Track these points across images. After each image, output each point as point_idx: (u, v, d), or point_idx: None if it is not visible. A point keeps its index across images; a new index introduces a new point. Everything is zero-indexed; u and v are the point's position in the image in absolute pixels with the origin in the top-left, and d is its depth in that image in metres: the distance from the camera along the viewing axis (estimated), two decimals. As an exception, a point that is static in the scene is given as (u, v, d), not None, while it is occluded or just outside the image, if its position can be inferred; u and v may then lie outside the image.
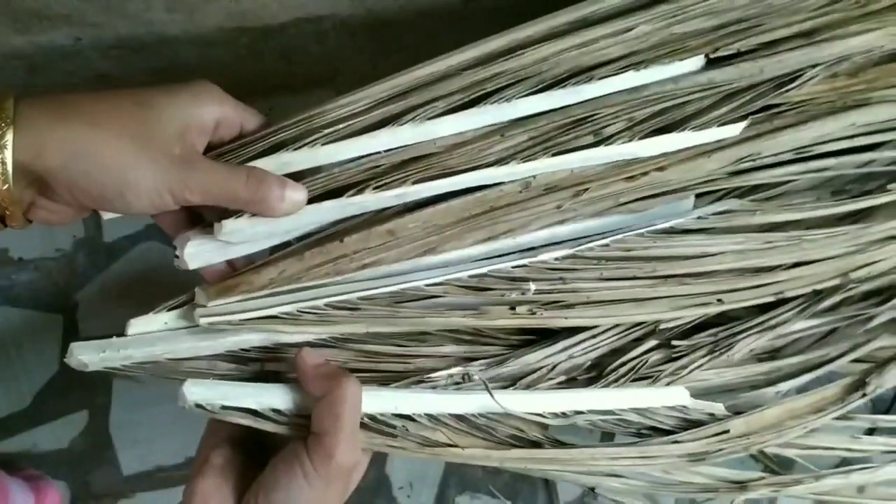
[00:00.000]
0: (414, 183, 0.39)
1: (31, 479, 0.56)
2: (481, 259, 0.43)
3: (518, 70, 0.42)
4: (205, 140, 0.37)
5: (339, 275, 0.40)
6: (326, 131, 0.39)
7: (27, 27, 0.50)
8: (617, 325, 0.46)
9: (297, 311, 0.39)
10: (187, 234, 0.38)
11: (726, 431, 0.46)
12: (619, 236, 0.44)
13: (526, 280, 0.42)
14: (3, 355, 0.61)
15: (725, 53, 0.44)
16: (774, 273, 0.47)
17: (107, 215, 0.37)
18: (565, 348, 0.45)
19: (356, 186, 0.39)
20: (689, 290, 0.45)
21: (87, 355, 0.37)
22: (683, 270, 0.45)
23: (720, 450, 0.45)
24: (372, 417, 0.40)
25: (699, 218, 0.46)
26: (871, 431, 0.61)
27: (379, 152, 0.40)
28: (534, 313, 0.42)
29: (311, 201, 0.38)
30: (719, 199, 0.48)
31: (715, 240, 0.46)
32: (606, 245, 0.44)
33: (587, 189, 0.43)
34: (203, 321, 0.37)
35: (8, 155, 0.30)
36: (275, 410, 0.38)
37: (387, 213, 0.41)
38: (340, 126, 0.39)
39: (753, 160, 0.46)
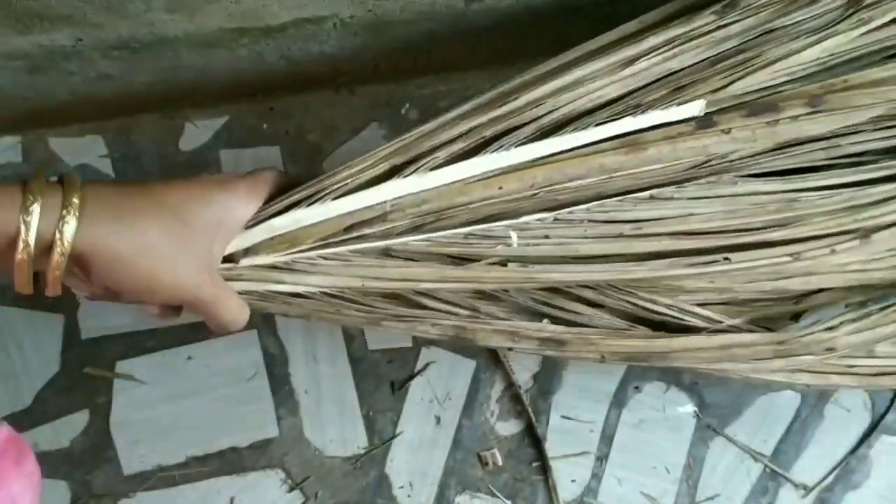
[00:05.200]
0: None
1: None
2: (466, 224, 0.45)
3: (515, 114, 0.44)
4: (232, 235, 0.42)
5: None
6: (335, 186, 0.42)
7: (28, 28, 0.50)
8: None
9: (293, 260, 0.42)
10: None
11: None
12: (599, 202, 0.44)
13: (509, 236, 0.44)
14: (3, 355, 0.61)
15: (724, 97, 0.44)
16: (775, 231, 0.46)
17: None
18: None
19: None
20: (687, 246, 0.45)
21: None
22: (672, 229, 0.45)
23: None
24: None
25: (679, 187, 0.45)
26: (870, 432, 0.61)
27: (385, 201, 0.42)
28: (525, 266, 0.43)
29: None
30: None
31: (699, 203, 0.45)
32: (587, 209, 0.44)
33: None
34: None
35: (68, 246, 0.35)
36: None
37: None
38: (349, 181, 0.42)
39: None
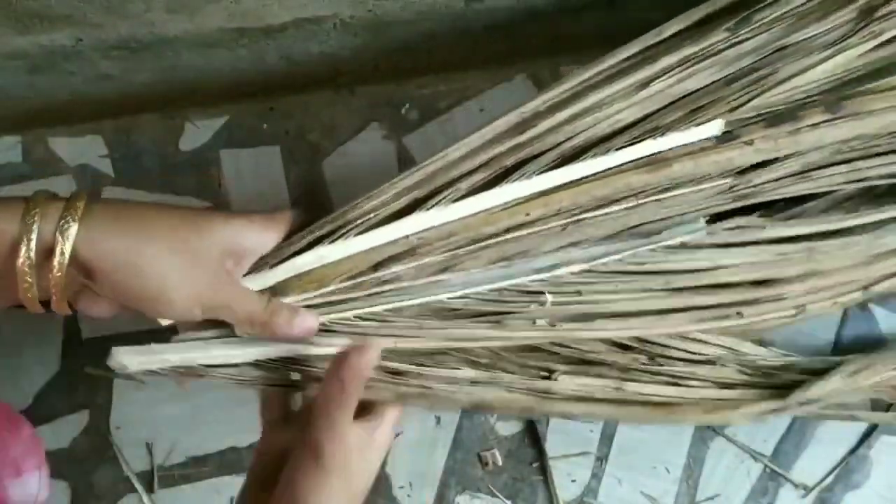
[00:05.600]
0: None
1: None
2: (500, 279, 0.44)
3: (535, 142, 0.43)
4: (246, 263, 0.41)
5: (363, 290, 0.42)
6: (357, 221, 0.41)
7: (28, 28, 0.50)
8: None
9: (329, 321, 0.41)
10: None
11: None
12: (631, 251, 0.44)
13: (543, 293, 0.44)
14: (3, 355, 0.61)
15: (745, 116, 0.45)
16: (792, 284, 0.46)
17: None
18: None
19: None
20: (707, 302, 0.45)
21: (127, 358, 0.40)
22: (697, 283, 0.45)
23: None
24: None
25: (709, 233, 0.46)
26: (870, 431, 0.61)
27: (408, 236, 0.42)
28: (554, 325, 0.43)
29: None
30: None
31: (727, 252, 0.46)
32: (620, 260, 0.44)
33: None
34: (240, 331, 0.41)
35: (68, 246, 0.34)
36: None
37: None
38: (371, 215, 0.41)
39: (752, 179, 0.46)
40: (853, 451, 0.60)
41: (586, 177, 0.43)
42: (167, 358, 0.40)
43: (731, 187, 0.45)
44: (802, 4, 0.45)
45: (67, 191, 0.38)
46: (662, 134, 0.44)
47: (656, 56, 0.45)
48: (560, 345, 0.47)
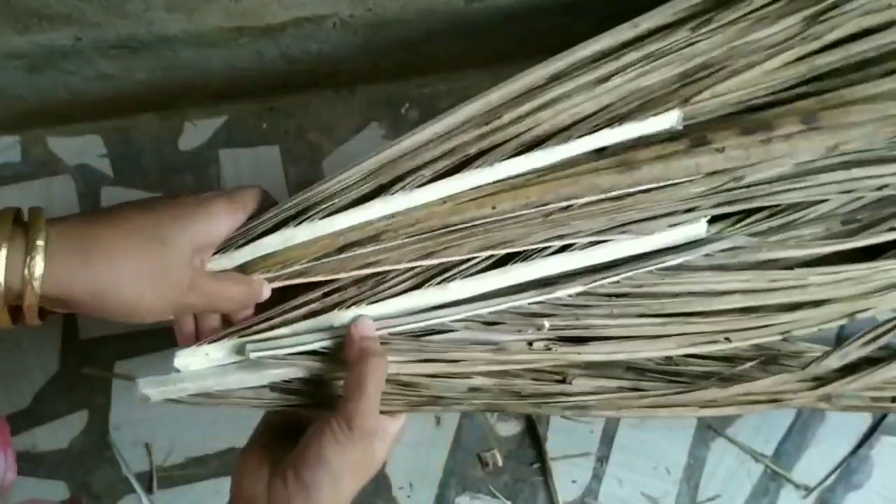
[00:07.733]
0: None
1: None
2: (498, 296, 0.45)
3: (497, 132, 0.44)
4: (214, 249, 0.42)
5: (343, 272, 0.43)
6: (323, 206, 0.43)
7: (27, 27, 0.50)
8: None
9: (335, 345, 0.43)
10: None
11: None
12: (630, 273, 0.45)
13: (541, 316, 0.45)
14: (3, 355, 0.61)
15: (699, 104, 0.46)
16: (779, 315, 0.47)
17: None
18: None
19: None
20: (698, 328, 0.46)
21: (149, 389, 0.42)
22: (691, 308, 0.46)
23: None
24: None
25: (707, 255, 0.46)
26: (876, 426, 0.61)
27: (372, 220, 0.43)
28: (549, 349, 0.45)
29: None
30: (730, 226, 0.48)
31: (722, 277, 0.47)
32: (617, 282, 0.45)
33: (572, 205, 0.45)
34: (253, 355, 0.42)
35: (38, 288, 0.34)
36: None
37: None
38: (336, 200, 0.43)
39: (743, 176, 0.46)
40: (854, 451, 0.60)
41: (547, 168, 0.45)
42: (186, 386, 0.42)
43: (721, 185, 0.46)
44: (758, 9, 0.47)
45: (28, 204, 0.38)
46: (620, 124, 0.45)
47: (619, 51, 0.46)
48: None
